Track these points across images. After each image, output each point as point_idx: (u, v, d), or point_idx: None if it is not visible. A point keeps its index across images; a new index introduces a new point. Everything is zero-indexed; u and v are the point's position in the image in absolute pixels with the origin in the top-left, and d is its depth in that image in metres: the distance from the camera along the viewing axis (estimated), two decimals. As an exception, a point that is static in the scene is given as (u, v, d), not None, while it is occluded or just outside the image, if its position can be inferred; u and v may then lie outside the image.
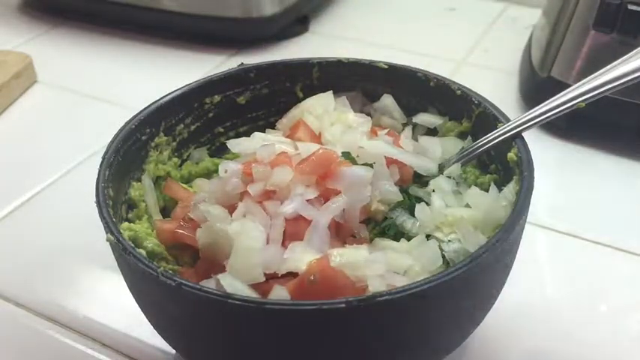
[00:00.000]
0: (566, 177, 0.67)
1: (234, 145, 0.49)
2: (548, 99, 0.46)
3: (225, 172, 0.45)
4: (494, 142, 0.47)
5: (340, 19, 1.00)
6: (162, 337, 0.44)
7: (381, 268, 0.39)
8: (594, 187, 0.66)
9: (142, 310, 0.43)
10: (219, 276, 0.39)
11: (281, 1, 0.88)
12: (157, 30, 0.94)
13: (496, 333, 0.50)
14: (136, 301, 0.43)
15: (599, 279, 0.56)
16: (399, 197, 0.45)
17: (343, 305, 0.33)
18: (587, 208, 0.63)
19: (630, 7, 0.64)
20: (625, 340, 0.51)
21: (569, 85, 0.45)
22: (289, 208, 0.41)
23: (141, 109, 0.50)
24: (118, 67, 0.89)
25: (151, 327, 0.43)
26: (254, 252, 0.40)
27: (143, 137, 0.49)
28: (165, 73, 0.86)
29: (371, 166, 0.45)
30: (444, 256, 0.42)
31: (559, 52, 0.71)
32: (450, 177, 0.48)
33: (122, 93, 0.82)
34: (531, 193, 0.41)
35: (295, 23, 0.94)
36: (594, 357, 0.49)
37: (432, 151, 0.50)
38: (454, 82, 0.51)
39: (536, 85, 0.74)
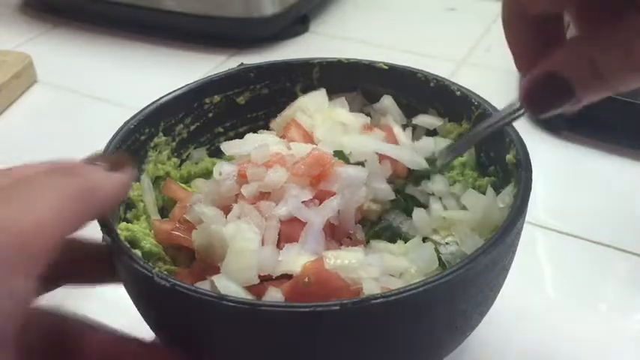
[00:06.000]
0: (565, 177, 0.67)
1: (227, 147, 0.48)
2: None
3: (220, 174, 0.45)
4: (485, 133, 0.44)
5: (340, 19, 1.00)
6: (159, 337, 0.44)
7: (377, 270, 0.38)
8: (594, 187, 0.65)
9: (139, 310, 0.43)
10: (214, 277, 0.39)
11: (281, 1, 0.88)
12: (157, 30, 0.94)
13: (495, 333, 0.50)
14: (133, 301, 0.43)
15: (599, 279, 0.56)
16: (392, 195, 0.45)
17: (338, 308, 0.33)
18: (586, 208, 0.63)
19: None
20: (624, 340, 0.50)
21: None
22: (284, 209, 0.41)
23: (141, 109, 0.49)
24: (118, 67, 0.89)
25: (150, 327, 0.43)
26: (249, 254, 0.39)
27: (142, 137, 0.49)
28: (166, 73, 0.86)
29: (362, 164, 0.45)
30: (440, 259, 0.42)
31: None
32: (441, 173, 0.48)
33: (122, 93, 0.82)
34: (529, 196, 0.41)
35: (295, 23, 0.94)
36: (594, 357, 0.49)
37: (427, 149, 0.49)
38: (454, 83, 0.51)
39: (536, 85, 0.73)
